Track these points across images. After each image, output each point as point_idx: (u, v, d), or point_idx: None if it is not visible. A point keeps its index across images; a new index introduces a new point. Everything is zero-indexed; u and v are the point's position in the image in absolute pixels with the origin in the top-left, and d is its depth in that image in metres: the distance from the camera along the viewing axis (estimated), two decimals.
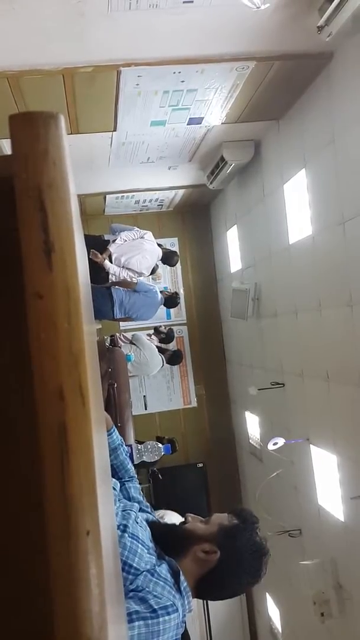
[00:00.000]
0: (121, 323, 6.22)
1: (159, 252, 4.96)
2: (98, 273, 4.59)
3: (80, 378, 0.34)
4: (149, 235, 4.83)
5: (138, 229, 4.86)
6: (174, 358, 5.74)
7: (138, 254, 4.67)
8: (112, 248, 4.62)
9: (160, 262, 5.11)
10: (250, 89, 3.27)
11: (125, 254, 4.66)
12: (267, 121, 3.92)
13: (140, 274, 4.78)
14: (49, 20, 2.38)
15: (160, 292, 5.24)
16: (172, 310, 6.43)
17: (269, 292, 4.61)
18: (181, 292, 6.42)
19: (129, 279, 4.75)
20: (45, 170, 0.35)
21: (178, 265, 6.43)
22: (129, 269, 4.68)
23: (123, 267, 4.66)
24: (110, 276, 4.69)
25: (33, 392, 0.34)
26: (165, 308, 5.76)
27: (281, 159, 4.02)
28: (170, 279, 6.50)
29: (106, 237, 4.97)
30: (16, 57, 2.65)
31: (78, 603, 0.32)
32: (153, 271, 5.23)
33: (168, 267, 5.63)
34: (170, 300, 5.40)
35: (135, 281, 4.86)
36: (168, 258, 5.16)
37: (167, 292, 5.47)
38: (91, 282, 4.03)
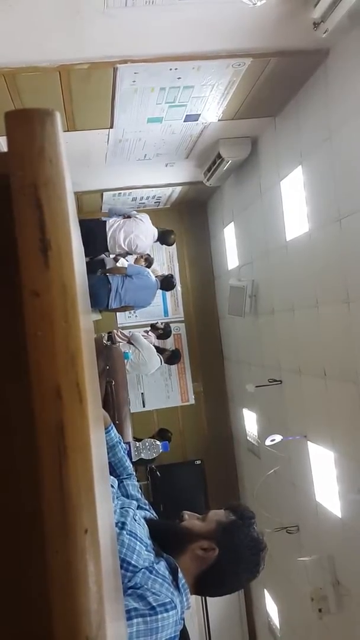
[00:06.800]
0: (119, 320, 6.22)
1: (154, 232, 4.96)
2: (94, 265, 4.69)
3: (78, 376, 0.34)
4: (141, 215, 4.85)
5: (135, 212, 4.90)
6: (172, 358, 5.72)
7: (131, 233, 4.73)
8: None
9: (158, 242, 5.16)
10: (246, 85, 3.26)
11: (122, 234, 4.72)
12: (264, 118, 3.91)
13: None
14: (46, 18, 2.37)
15: (156, 276, 5.22)
16: (169, 307, 6.41)
17: (266, 289, 4.61)
18: (178, 289, 6.39)
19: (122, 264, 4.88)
20: (42, 168, 0.35)
21: (175, 263, 6.41)
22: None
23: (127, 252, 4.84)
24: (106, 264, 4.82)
25: (30, 391, 0.34)
26: (162, 305, 5.74)
27: (278, 155, 4.01)
28: (167, 269, 6.45)
29: (103, 219, 5.01)
30: (12, 54, 2.64)
31: (76, 601, 0.32)
32: (149, 265, 5.24)
33: (165, 265, 5.62)
34: (166, 282, 5.28)
35: (126, 265, 4.88)
36: (165, 236, 5.13)
37: (161, 274, 5.42)
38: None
